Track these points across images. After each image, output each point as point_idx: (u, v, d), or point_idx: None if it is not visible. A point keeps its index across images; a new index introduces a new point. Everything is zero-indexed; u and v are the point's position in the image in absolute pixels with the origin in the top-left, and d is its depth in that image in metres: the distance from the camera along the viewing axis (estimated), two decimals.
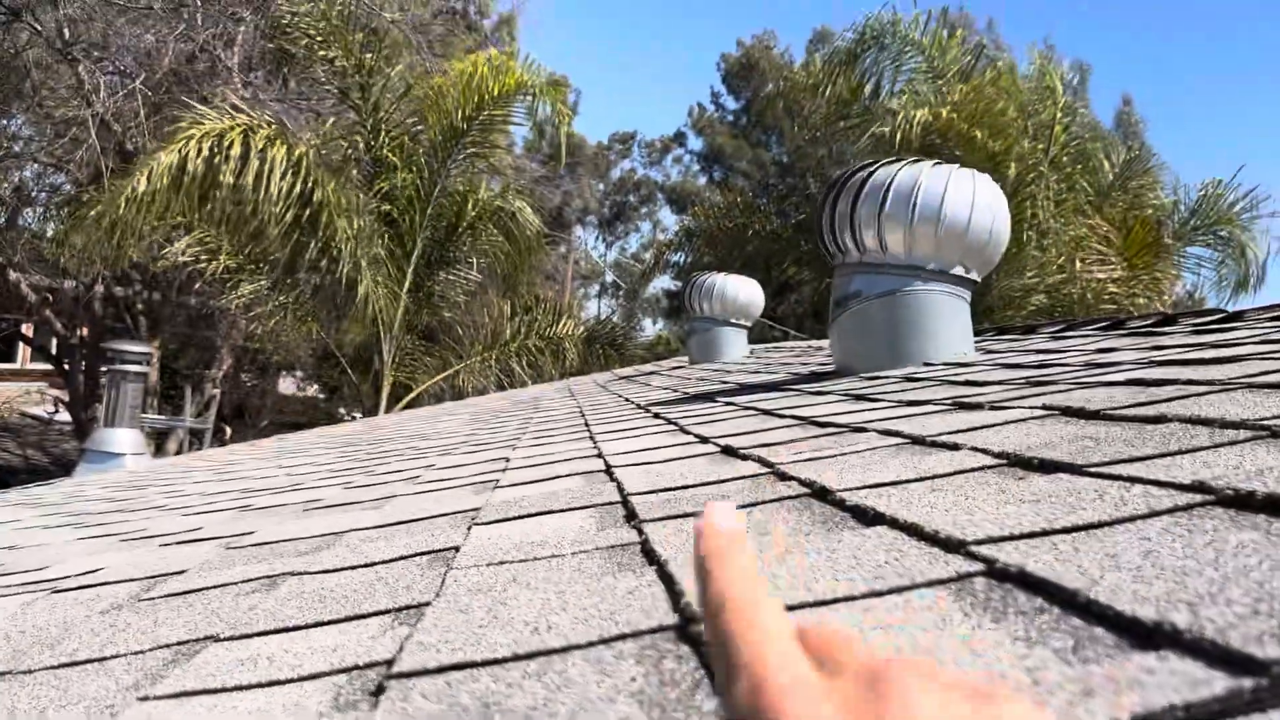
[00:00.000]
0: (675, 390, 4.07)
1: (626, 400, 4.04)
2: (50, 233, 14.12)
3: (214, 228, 9.97)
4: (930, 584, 0.66)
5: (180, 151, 8.88)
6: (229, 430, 14.69)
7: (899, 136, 10.27)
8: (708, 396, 3.26)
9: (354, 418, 14.57)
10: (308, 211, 9.38)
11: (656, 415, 2.86)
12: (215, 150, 9.02)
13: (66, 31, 11.13)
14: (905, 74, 11.74)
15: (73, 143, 11.64)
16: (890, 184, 2.72)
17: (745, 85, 29.94)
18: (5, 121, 13.57)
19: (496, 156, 11.87)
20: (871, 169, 2.83)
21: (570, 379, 9.48)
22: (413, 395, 11.46)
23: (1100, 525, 0.73)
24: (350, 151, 11.20)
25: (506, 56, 10.83)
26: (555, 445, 2.44)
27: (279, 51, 11.70)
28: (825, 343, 5.98)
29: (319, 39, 10.67)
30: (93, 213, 9.10)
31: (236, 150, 9.03)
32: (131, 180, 8.84)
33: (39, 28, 11.09)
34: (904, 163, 2.79)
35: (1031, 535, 0.73)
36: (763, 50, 29.64)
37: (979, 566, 0.68)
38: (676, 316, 28.66)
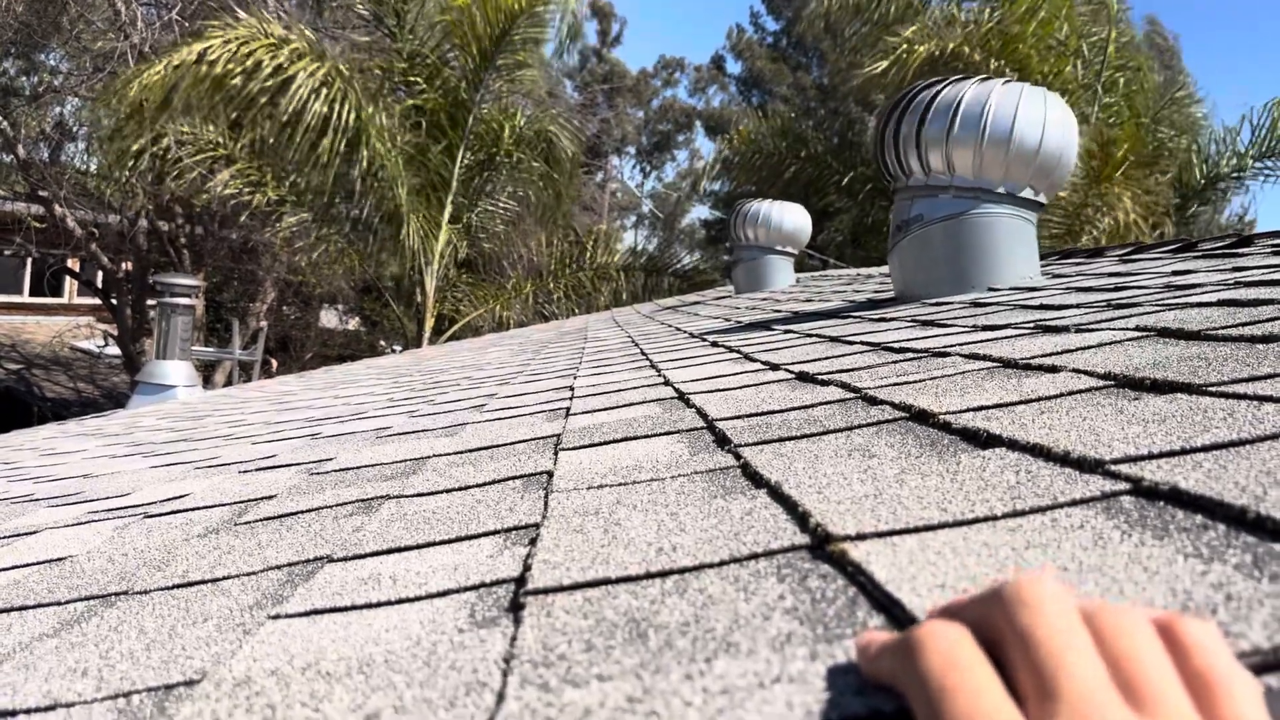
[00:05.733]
0: (726, 319, 4.04)
1: (678, 329, 4.02)
2: (94, 167, 14.22)
3: (255, 159, 9.94)
4: (1074, 503, 0.65)
5: (202, 49, 8.75)
6: (275, 363, 14.90)
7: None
8: (763, 325, 3.24)
9: (395, 350, 14.71)
10: (345, 136, 9.28)
11: (714, 344, 2.85)
12: (245, 58, 8.85)
13: None
14: None
15: (111, 76, 11.62)
16: (959, 103, 2.63)
17: (787, 4, 29.10)
18: (44, 56, 13.59)
19: (529, 76, 11.65)
20: (938, 87, 2.73)
21: (612, 310, 9.47)
22: (456, 327, 11.52)
23: (1242, 443, 0.71)
24: (386, 80, 11.09)
25: None
26: (617, 374, 2.44)
27: None
28: (874, 270, 5.90)
29: None
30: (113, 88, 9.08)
31: (266, 63, 8.87)
32: (149, 67, 8.80)
33: None
34: (972, 80, 2.69)
35: (1171, 454, 0.71)
36: None
37: (1124, 486, 0.66)
38: (714, 247, 28.38)
